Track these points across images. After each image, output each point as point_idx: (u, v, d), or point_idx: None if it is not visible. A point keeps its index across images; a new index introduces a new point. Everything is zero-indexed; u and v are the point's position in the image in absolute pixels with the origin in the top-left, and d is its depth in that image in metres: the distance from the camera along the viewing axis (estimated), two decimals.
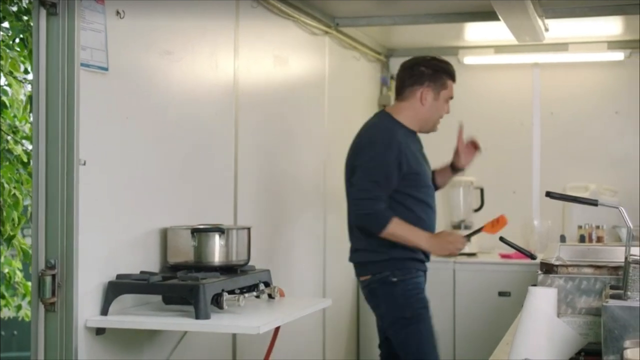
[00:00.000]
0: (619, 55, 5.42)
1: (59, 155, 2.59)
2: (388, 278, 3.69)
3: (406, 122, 3.79)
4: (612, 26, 5.08)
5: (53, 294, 2.60)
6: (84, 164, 2.61)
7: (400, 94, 3.85)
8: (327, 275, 4.79)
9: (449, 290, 5.19)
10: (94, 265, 2.70)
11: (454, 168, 4.05)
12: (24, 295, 4.82)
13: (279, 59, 4.14)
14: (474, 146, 4.04)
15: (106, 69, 2.75)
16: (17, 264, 4.66)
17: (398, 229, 3.62)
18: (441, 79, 3.81)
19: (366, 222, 3.68)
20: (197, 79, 3.37)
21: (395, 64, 5.85)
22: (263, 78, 3.99)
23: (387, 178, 3.64)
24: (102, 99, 2.75)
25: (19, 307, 4.92)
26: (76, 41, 2.59)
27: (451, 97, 3.87)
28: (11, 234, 4.29)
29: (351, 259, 3.85)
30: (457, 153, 4.02)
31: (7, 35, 4.30)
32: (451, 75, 3.87)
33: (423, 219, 3.76)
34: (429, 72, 3.80)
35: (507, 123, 5.66)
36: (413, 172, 3.70)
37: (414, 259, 3.73)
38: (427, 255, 3.80)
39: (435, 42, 5.61)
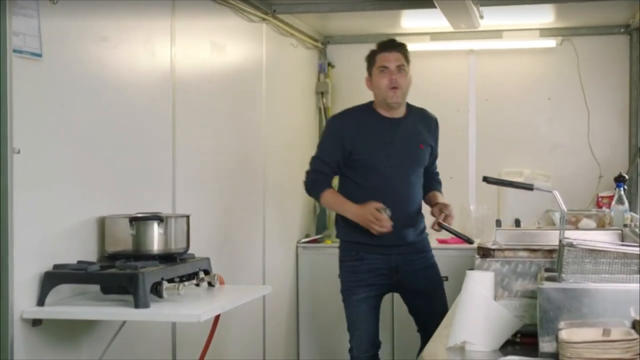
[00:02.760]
0: (551, 43, 5.53)
1: None
2: (339, 257, 4.07)
3: (376, 105, 4.02)
4: (544, 14, 5.18)
5: None
6: (19, 152, 2.56)
7: None
8: (266, 262, 4.79)
9: None
10: (30, 255, 2.65)
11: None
12: None
13: (216, 45, 4.11)
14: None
15: (40, 56, 2.69)
16: None
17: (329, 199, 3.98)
18: (371, 58, 4.01)
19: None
20: (133, 66, 3.32)
21: (333, 51, 5.90)
22: (200, 65, 3.96)
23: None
24: (36, 86, 2.69)
25: None
26: (8, 27, 2.52)
27: (384, 67, 3.93)
28: None
29: None
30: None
31: None
32: (378, 48, 4.00)
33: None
34: (366, 61, 4.05)
35: (444, 109, 5.65)
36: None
37: (357, 242, 3.94)
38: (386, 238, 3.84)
39: (372, 29, 5.64)
